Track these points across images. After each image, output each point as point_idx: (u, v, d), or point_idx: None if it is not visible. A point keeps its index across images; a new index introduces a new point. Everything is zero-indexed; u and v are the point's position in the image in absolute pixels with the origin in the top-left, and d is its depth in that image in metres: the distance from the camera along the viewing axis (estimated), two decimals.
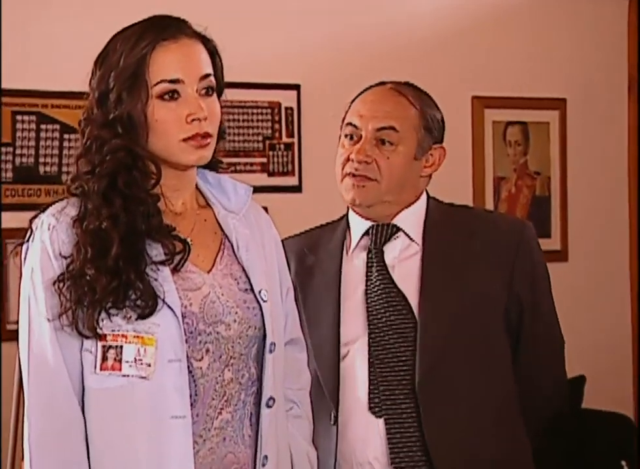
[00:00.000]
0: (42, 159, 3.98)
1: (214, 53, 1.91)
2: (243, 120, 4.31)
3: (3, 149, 3.93)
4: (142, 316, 1.77)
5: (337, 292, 2.35)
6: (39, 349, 1.77)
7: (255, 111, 4.33)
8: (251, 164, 4.33)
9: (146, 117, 1.81)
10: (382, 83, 2.42)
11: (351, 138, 2.36)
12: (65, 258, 1.78)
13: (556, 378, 2.45)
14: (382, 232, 2.37)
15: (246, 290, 1.89)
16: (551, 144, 4.84)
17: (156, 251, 1.81)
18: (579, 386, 4.33)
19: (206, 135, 1.84)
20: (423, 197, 2.42)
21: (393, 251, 2.37)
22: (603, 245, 4.95)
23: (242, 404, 1.88)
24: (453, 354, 2.27)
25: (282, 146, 4.38)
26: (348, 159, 2.34)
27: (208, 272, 1.88)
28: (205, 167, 1.96)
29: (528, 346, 2.37)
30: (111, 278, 1.75)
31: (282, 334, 1.97)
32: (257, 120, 4.34)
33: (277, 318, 1.94)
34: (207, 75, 1.85)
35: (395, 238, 2.38)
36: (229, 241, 1.92)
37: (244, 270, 1.91)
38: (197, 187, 1.96)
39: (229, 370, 1.85)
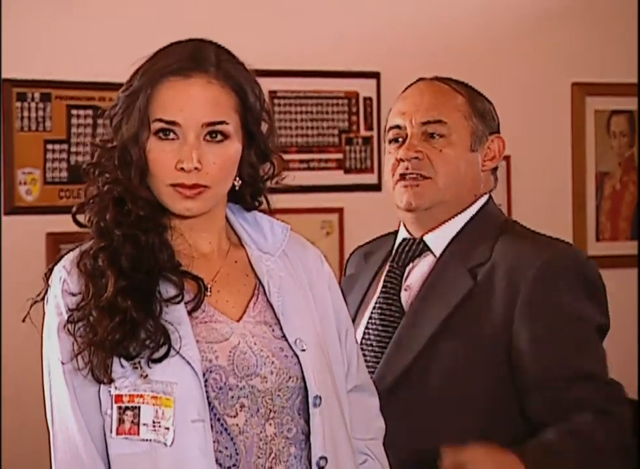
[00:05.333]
0: None
1: (243, 93, 1.82)
2: (317, 112, 4.29)
3: (57, 146, 3.95)
4: (154, 360, 1.74)
5: (357, 307, 2.33)
6: (63, 422, 1.77)
7: (330, 101, 4.30)
8: (326, 160, 4.30)
9: (145, 154, 1.80)
10: (421, 80, 2.35)
11: (396, 141, 2.28)
12: (76, 305, 1.80)
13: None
14: (408, 249, 2.28)
15: (283, 336, 1.86)
16: None
17: (167, 290, 1.79)
18: None
19: (194, 187, 1.79)
20: (476, 205, 2.28)
21: (421, 271, 2.26)
22: None
23: (294, 460, 1.84)
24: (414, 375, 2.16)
25: (360, 140, 4.33)
26: (398, 163, 2.25)
27: (239, 320, 1.85)
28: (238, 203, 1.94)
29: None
30: (112, 315, 1.74)
31: (336, 384, 1.91)
32: (333, 112, 4.30)
33: (323, 367, 1.88)
34: (213, 123, 1.79)
35: (425, 256, 2.27)
36: (262, 285, 1.90)
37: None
38: (229, 223, 1.94)
39: (270, 424, 1.81)
